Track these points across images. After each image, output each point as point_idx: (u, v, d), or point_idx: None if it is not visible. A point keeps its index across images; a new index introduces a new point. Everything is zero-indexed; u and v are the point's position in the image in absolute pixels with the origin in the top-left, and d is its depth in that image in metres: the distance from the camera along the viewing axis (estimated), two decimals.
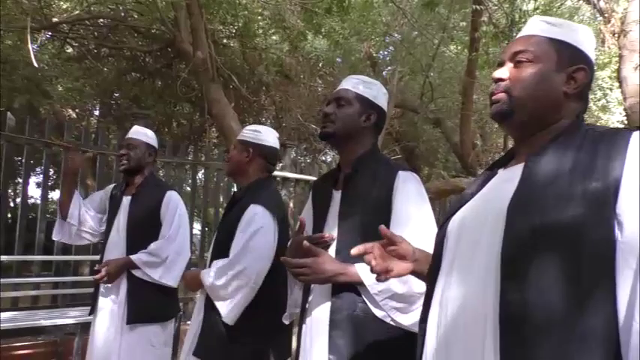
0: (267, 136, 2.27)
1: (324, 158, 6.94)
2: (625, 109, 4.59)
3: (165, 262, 2.57)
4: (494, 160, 1.22)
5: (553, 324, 0.80)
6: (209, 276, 2.05)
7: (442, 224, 1.11)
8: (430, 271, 1.09)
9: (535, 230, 0.85)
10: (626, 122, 4.80)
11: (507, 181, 0.97)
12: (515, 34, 5.39)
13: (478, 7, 5.04)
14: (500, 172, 1.07)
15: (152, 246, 2.58)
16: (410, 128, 7.20)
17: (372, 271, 1.17)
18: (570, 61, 1.02)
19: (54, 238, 2.89)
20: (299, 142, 6.88)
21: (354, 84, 1.70)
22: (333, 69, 6.90)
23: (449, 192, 5.69)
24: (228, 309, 2.02)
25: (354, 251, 1.17)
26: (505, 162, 1.10)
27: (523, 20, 5.26)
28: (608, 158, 0.85)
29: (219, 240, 2.17)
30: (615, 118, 6.60)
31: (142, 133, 2.78)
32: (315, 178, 6.12)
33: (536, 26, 1.07)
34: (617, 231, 0.81)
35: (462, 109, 5.60)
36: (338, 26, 5.59)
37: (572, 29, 1.06)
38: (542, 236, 0.84)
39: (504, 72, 1.04)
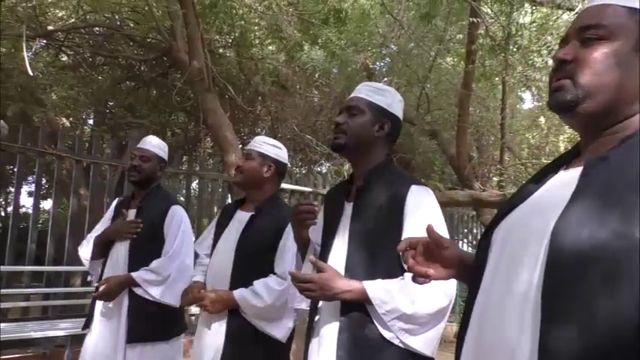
0: (285, 153, 2.34)
1: (319, 169, 6.96)
2: None
3: (167, 280, 2.48)
4: (559, 155, 1.04)
5: None
6: (259, 297, 2.01)
7: (487, 229, 0.95)
8: (472, 282, 0.94)
9: (585, 257, 0.69)
10: None
11: (562, 187, 0.81)
12: (511, 47, 5.49)
13: (475, 19, 5.07)
14: (561, 172, 0.90)
15: (154, 264, 2.50)
16: (406, 140, 7.22)
17: (409, 270, 1.07)
18: None
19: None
20: (294, 152, 6.91)
21: (367, 92, 1.66)
22: (330, 80, 6.97)
23: (445, 204, 5.71)
24: (284, 330, 2.05)
25: (401, 246, 1.08)
26: (569, 159, 0.93)
27: (519, 33, 5.31)
28: None
29: (249, 255, 2.12)
30: None
31: (155, 144, 2.72)
32: (310, 189, 6.14)
33: None
34: None
35: (458, 121, 5.62)
36: (335, 37, 5.67)
37: None
38: (593, 264, 0.68)
39: (569, 52, 0.86)
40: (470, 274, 0.97)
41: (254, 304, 2.01)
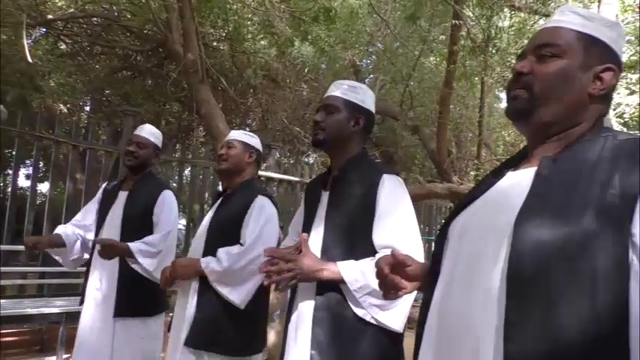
0: (260, 142, 2.47)
1: (307, 160, 7.07)
2: None
3: (159, 254, 2.54)
4: (505, 158, 1.11)
5: (561, 347, 0.71)
6: (220, 262, 2.05)
7: (443, 226, 1.02)
8: (429, 275, 1.01)
9: (546, 247, 0.75)
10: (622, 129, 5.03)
11: (516, 186, 0.89)
12: (491, 49, 5.66)
13: (457, 22, 5.22)
14: (510, 174, 0.97)
15: (148, 238, 2.56)
16: (389, 134, 7.29)
17: (385, 284, 1.13)
18: (599, 59, 0.92)
19: (73, 268, 2.87)
20: (283, 143, 7.00)
21: (342, 90, 1.73)
22: (318, 75, 6.97)
23: (424, 196, 5.90)
24: (242, 294, 2.05)
25: (385, 269, 1.11)
26: (515, 163, 1.00)
27: (499, 36, 5.48)
28: (627, 171, 0.75)
29: (219, 229, 2.18)
30: None
31: (152, 133, 2.79)
32: (298, 179, 6.31)
33: (565, 17, 0.96)
34: (631, 253, 0.71)
35: (439, 117, 5.70)
36: (324, 34, 5.68)
37: (604, 24, 0.94)
38: (552, 254, 0.74)
39: (526, 65, 0.94)
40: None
41: (214, 268, 2.05)
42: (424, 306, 0.98)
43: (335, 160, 1.75)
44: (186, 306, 2.13)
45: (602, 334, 0.70)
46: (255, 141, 2.42)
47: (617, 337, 0.70)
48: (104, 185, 2.94)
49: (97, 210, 2.81)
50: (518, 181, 0.89)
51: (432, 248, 1.08)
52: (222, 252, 2.09)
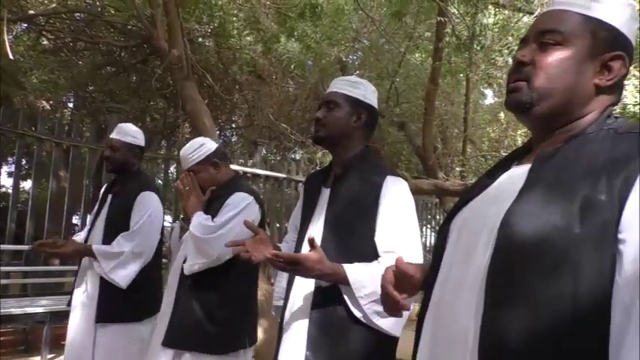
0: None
1: (293, 156, 7.09)
2: None
3: (120, 257, 2.44)
4: (509, 152, 1.06)
5: (536, 350, 0.70)
6: (201, 227, 2.09)
7: (445, 221, 0.98)
8: (430, 273, 0.98)
9: (526, 249, 0.73)
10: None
11: (512, 182, 0.86)
12: (476, 46, 5.72)
13: (442, 19, 5.26)
14: (514, 167, 0.94)
15: (119, 237, 2.50)
16: (376, 130, 7.32)
17: (389, 304, 1.11)
18: (607, 46, 0.84)
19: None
20: (269, 140, 7.01)
21: (343, 86, 1.70)
22: (305, 71, 6.95)
23: (410, 192, 5.95)
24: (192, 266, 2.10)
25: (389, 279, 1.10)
26: (522, 155, 0.96)
27: (483, 33, 5.53)
28: (619, 170, 0.71)
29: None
30: None
31: (124, 132, 2.68)
32: (284, 175, 6.32)
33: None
34: (617, 255, 0.68)
35: (424, 113, 5.75)
36: (310, 30, 5.68)
37: (616, 5, 0.86)
38: (533, 256, 0.72)
39: (526, 54, 0.88)
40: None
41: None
42: (424, 302, 0.97)
43: (337, 157, 1.72)
44: (166, 308, 2.15)
45: (576, 329, 0.69)
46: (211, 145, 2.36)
47: (593, 329, 0.68)
48: (105, 186, 2.88)
49: (94, 212, 2.77)
50: (517, 176, 0.86)
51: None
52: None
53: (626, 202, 0.68)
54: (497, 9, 5.74)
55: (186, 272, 2.10)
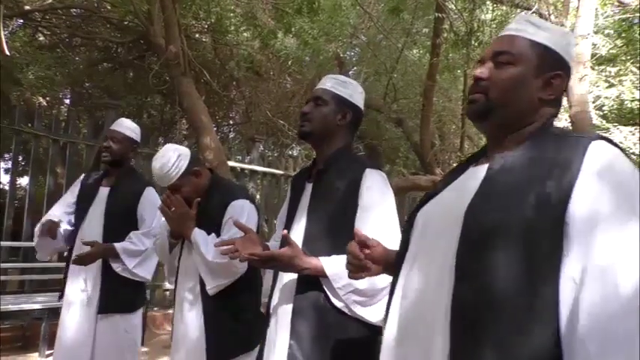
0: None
1: (291, 152, 7.08)
2: (570, 116, 4.85)
3: (143, 253, 2.57)
4: (469, 155, 1.23)
5: (500, 312, 0.83)
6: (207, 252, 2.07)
7: (410, 215, 1.12)
8: (396, 260, 1.10)
9: (489, 231, 0.87)
10: (570, 128, 5.13)
11: (473, 179, 0.99)
12: (474, 42, 5.72)
13: (440, 15, 5.27)
14: (471, 169, 1.08)
15: (133, 236, 2.57)
16: (373, 127, 7.34)
17: (348, 267, 1.26)
18: (549, 66, 1.00)
19: (45, 258, 2.84)
20: (267, 136, 7.00)
21: (332, 84, 1.74)
22: (302, 67, 6.93)
23: (408, 188, 5.96)
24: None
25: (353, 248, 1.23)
26: (478, 158, 1.11)
27: (481, 29, 5.55)
28: (565, 168, 0.86)
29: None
30: (561, 124, 6.98)
31: (126, 126, 2.74)
32: (282, 172, 6.33)
33: (520, 26, 1.05)
34: (564, 239, 0.82)
35: (422, 110, 5.79)
36: (307, 26, 5.67)
37: (557, 33, 1.04)
38: (494, 236, 0.86)
39: (484, 71, 1.03)
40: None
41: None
42: (391, 289, 1.08)
43: (320, 153, 1.76)
44: (190, 316, 2.14)
45: (533, 304, 0.82)
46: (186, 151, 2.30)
47: (544, 296, 0.82)
48: (82, 178, 2.86)
49: (76, 204, 2.75)
50: (475, 176, 1.00)
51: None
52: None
53: (572, 191, 0.83)
54: (495, 5, 5.77)
55: (212, 294, 2.10)
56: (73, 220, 2.73)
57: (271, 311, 1.68)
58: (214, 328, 2.10)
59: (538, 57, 1.01)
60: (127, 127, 2.74)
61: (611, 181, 0.84)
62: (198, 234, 2.11)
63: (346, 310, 1.51)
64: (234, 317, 2.13)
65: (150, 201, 2.66)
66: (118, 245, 2.52)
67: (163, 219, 2.23)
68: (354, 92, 1.76)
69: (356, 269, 1.26)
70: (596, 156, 0.86)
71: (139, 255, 2.56)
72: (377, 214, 1.58)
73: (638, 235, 0.79)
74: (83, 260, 2.46)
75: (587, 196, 0.83)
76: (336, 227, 1.59)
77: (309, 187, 1.72)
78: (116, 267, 2.54)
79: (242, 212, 2.16)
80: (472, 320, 0.86)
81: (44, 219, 2.69)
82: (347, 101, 1.73)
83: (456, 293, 0.89)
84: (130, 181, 2.70)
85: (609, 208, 0.82)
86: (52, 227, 2.57)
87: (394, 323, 1.03)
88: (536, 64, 1.00)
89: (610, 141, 0.90)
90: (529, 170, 0.90)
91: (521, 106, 1.00)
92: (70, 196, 2.80)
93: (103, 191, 2.68)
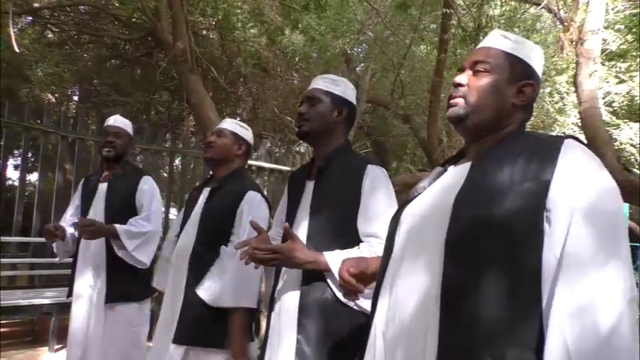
0: (251, 134, 2.43)
1: (298, 149, 7.07)
2: (579, 113, 4.81)
3: (143, 236, 2.61)
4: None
5: (487, 296, 0.90)
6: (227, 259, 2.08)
7: (395, 214, 1.19)
8: (383, 258, 1.15)
9: (477, 221, 0.94)
10: (580, 124, 5.09)
11: (455, 177, 1.07)
12: (482, 38, 5.64)
13: (448, 10, 5.24)
14: (451, 168, 1.16)
15: (132, 220, 2.63)
16: (380, 123, 7.33)
17: (346, 288, 1.38)
18: (522, 75, 1.11)
19: (63, 260, 2.86)
20: (274, 133, 6.99)
21: (324, 83, 1.78)
22: (309, 64, 6.92)
23: (414, 185, 5.94)
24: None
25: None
26: (456, 160, 1.19)
27: (489, 25, 5.49)
28: (542, 162, 0.94)
29: (210, 221, 2.17)
30: (570, 120, 6.91)
31: (127, 123, 2.85)
32: (289, 168, 6.32)
33: (496, 40, 1.16)
34: (545, 223, 0.91)
35: (430, 106, 5.76)
36: (314, 23, 5.64)
37: (527, 47, 1.15)
38: (482, 226, 0.93)
39: (464, 78, 1.13)
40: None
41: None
42: (376, 288, 1.14)
43: (319, 151, 1.79)
44: (175, 301, 2.14)
45: (518, 291, 0.89)
46: (247, 133, 2.38)
47: (528, 274, 0.90)
48: (83, 180, 2.95)
49: (80, 205, 2.83)
50: (458, 174, 1.08)
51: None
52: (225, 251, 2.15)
53: (551, 182, 0.92)
54: (503, 0, 5.70)
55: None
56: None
57: (274, 308, 1.68)
58: (191, 315, 2.09)
59: (511, 66, 1.12)
60: (125, 122, 2.84)
61: (583, 171, 0.94)
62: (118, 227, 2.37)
63: (352, 304, 1.53)
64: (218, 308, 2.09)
65: (148, 189, 2.73)
66: (118, 226, 2.56)
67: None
68: (346, 89, 1.80)
69: (350, 292, 1.39)
70: (569, 151, 0.96)
71: (139, 237, 2.60)
72: (378, 209, 1.60)
73: (608, 198, 0.91)
74: (88, 232, 2.47)
75: (564, 184, 0.92)
76: (339, 223, 1.62)
77: (310, 185, 1.74)
78: (117, 250, 2.58)
79: (259, 205, 2.18)
80: (460, 296, 0.92)
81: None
82: (341, 98, 1.77)
83: (445, 279, 0.95)
84: (126, 173, 2.77)
85: (584, 192, 0.91)
86: (50, 231, 2.59)
87: (383, 318, 1.08)
88: (509, 72, 1.11)
89: (577, 139, 1.00)
90: (511, 168, 0.97)
91: (497, 110, 1.10)
92: (77, 199, 2.89)
93: (102, 187, 2.76)
